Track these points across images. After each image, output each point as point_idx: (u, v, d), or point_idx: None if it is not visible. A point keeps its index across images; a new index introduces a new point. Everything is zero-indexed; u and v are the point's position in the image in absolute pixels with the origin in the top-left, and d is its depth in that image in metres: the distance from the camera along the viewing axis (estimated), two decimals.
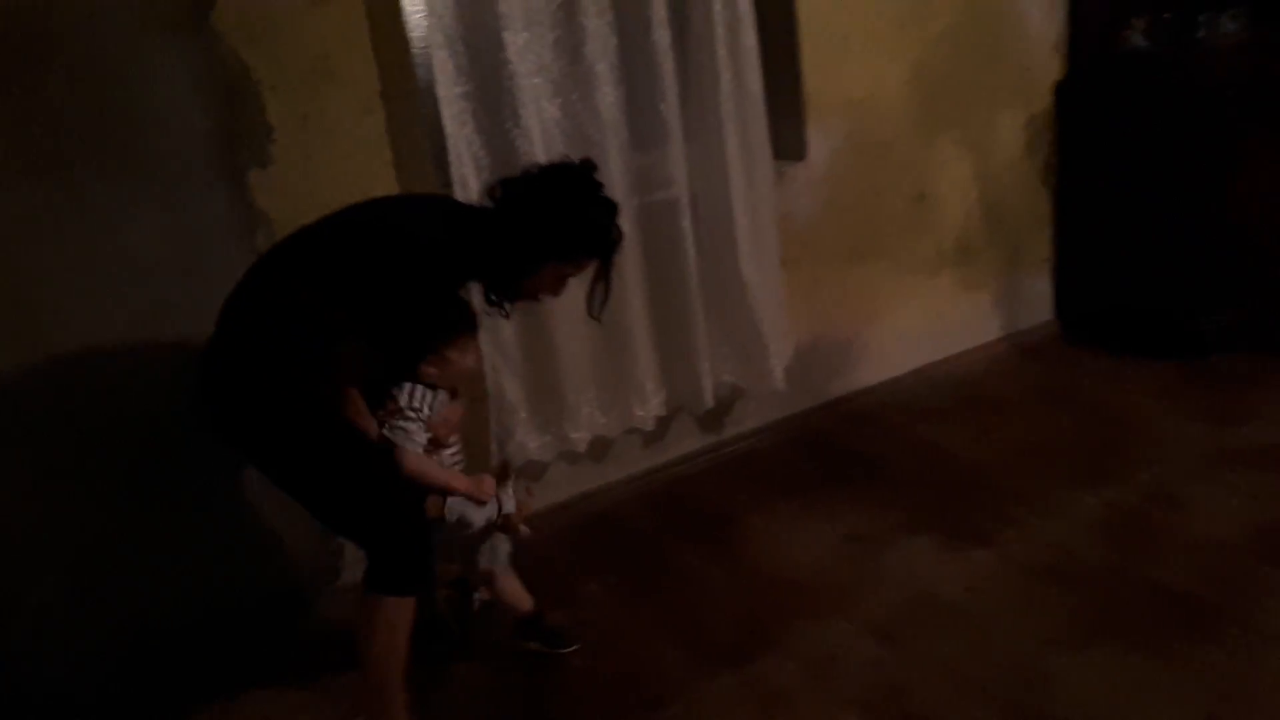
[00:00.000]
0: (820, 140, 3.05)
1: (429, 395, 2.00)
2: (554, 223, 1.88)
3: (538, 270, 1.93)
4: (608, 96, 2.57)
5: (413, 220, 1.92)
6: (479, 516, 2.09)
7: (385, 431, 1.96)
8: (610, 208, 1.96)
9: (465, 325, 2.03)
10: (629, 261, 2.69)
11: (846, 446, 3.12)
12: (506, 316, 2.13)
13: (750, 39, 2.71)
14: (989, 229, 3.48)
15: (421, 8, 2.36)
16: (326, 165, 2.30)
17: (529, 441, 2.71)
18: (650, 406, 2.87)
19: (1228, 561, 2.31)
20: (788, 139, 3.02)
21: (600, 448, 2.90)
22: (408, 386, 1.99)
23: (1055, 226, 3.63)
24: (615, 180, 2.55)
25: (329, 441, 1.80)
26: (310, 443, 1.79)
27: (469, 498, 2.05)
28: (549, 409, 2.72)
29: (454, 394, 2.08)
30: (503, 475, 2.14)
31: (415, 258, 1.81)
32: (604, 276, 2.00)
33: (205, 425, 1.83)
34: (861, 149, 3.13)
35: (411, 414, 1.96)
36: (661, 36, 2.60)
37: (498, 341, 2.57)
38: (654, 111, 2.67)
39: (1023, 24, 3.33)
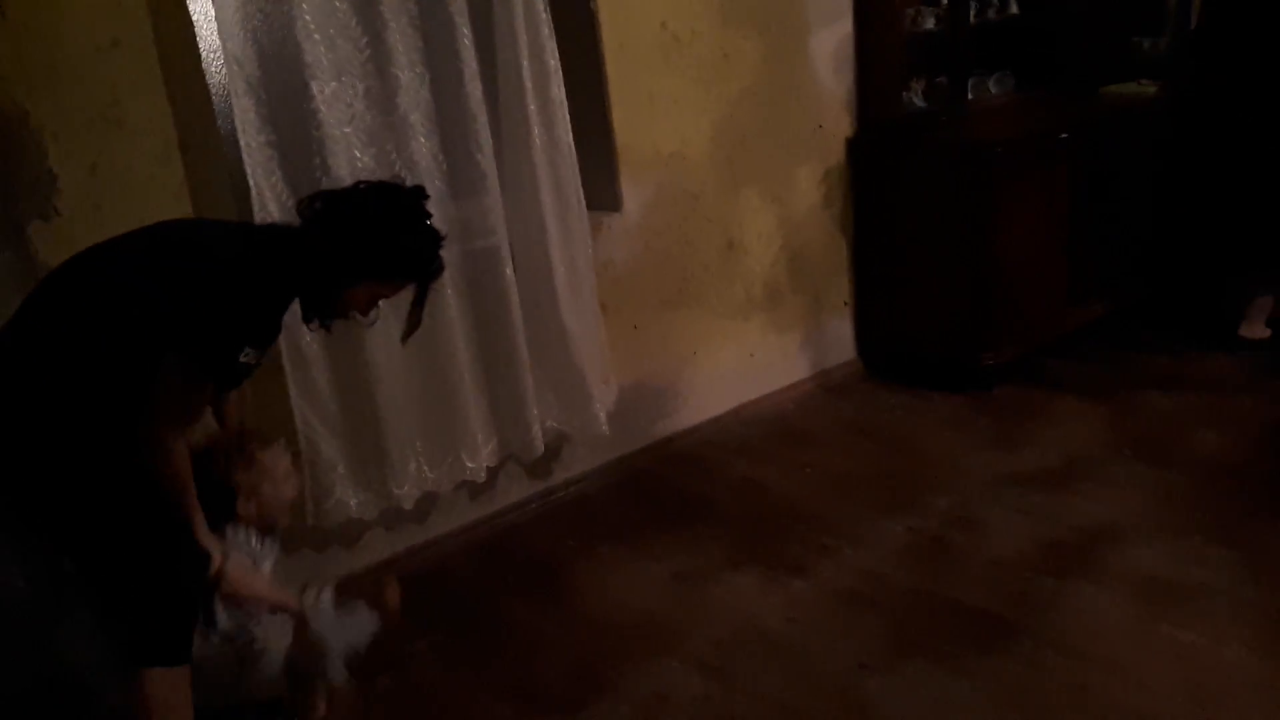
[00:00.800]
0: (634, 192, 3.14)
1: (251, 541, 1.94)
2: (377, 242, 1.86)
3: (351, 287, 1.89)
4: (422, 147, 2.55)
5: (210, 236, 1.86)
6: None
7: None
8: (435, 236, 1.95)
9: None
10: (453, 310, 2.67)
11: (671, 486, 3.18)
12: (329, 331, 2.06)
13: (559, 93, 2.76)
14: (794, 275, 3.67)
15: (218, 55, 2.28)
16: (119, 216, 2.16)
17: (349, 499, 2.61)
18: (481, 457, 2.83)
19: (1018, 578, 2.50)
20: (603, 190, 3.09)
21: (427, 502, 2.84)
22: (232, 534, 1.92)
23: (853, 272, 3.87)
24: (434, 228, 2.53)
25: (96, 477, 1.69)
26: (74, 474, 1.68)
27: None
28: (371, 465, 2.64)
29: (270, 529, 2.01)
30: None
31: (218, 273, 1.73)
32: (419, 303, 2.00)
33: None
34: (673, 200, 3.25)
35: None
36: (474, 89, 2.61)
37: (311, 395, 2.48)
38: (470, 162, 2.67)
39: (815, 85, 3.56)
